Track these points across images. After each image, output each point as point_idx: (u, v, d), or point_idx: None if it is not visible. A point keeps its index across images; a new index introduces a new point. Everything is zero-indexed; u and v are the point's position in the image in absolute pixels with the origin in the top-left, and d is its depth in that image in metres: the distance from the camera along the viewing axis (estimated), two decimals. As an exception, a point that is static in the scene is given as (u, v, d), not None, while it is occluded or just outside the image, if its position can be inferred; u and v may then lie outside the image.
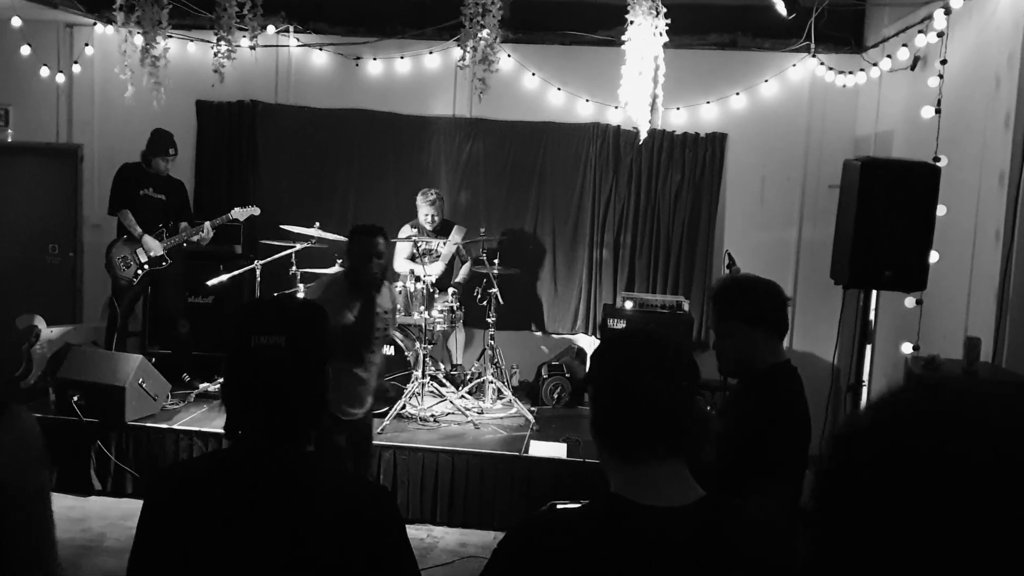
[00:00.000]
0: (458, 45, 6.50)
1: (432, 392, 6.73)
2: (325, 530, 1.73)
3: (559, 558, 1.51)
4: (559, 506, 2.26)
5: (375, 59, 7.88)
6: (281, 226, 7.02)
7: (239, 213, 7.10)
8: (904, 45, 5.82)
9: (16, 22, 7.21)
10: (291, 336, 1.81)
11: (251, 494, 1.77)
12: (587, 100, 7.68)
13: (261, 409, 1.81)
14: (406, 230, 7.27)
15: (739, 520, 1.61)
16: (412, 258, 7.22)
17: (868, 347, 4.59)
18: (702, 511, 1.56)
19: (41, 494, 2.04)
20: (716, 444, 2.72)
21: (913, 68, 5.80)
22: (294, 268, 6.87)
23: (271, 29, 7.48)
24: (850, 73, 6.98)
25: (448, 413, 6.67)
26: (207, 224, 7.02)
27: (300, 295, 6.72)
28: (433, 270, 7.02)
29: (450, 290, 7.14)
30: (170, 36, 7.02)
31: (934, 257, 4.21)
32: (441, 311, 6.81)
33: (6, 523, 1.95)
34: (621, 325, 6.95)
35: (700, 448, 1.68)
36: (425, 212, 7.19)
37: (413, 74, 7.88)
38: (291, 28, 7.75)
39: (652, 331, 1.79)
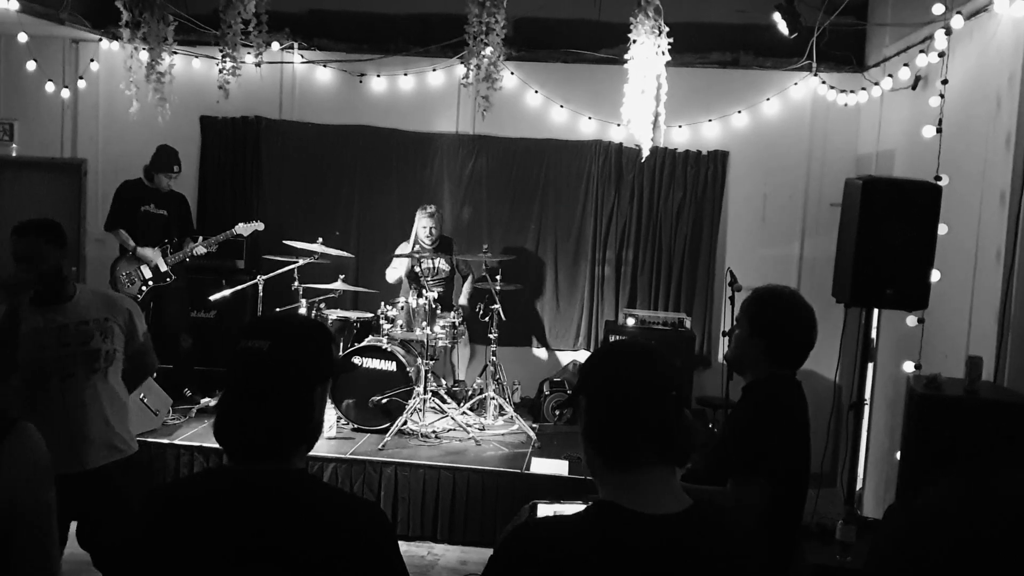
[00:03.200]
0: (462, 63, 6.53)
1: (433, 408, 6.73)
2: (316, 549, 1.72)
3: (554, 566, 1.59)
4: (541, 506, 2.34)
5: (379, 76, 7.92)
6: (284, 241, 7.03)
7: (243, 228, 7.13)
8: (905, 64, 5.85)
9: (22, 38, 7.25)
10: (275, 343, 1.82)
11: (241, 513, 1.76)
12: (589, 118, 7.71)
13: (243, 416, 1.81)
14: (404, 248, 7.29)
15: (722, 530, 1.70)
16: (415, 276, 7.24)
17: (870, 365, 4.60)
18: (689, 519, 1.66)
19: (49, 510, 2.09)
20: (713, 455, 2.82)
21: (914, 87, 5.82)
22: (297, 283, 6.88)
23: (275, 45, 7.53)
24: (851, 92, 7.01)
25: (449, 429, 6.66)
26: (201, 242, 7.05)
27: (302, 311, 6.74)
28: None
29: (463, 296, 7.20)
30: (175, 52, 7.08)
31: (935, 276, 4.21)
32: (443, 327, 6.82)
33: (16, 539, 2.03)
34: (613, 339, 6.97)
35: (687, 456, 1.76)
36: (424, 224, 7.22)
37: (416, 91, 7.92)
38: (295, 44, 7.80)
39: (641, 344, 1.85)
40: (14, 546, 2.03)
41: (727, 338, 5.65)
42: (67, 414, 3.59)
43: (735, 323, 3.04)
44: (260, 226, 7.21)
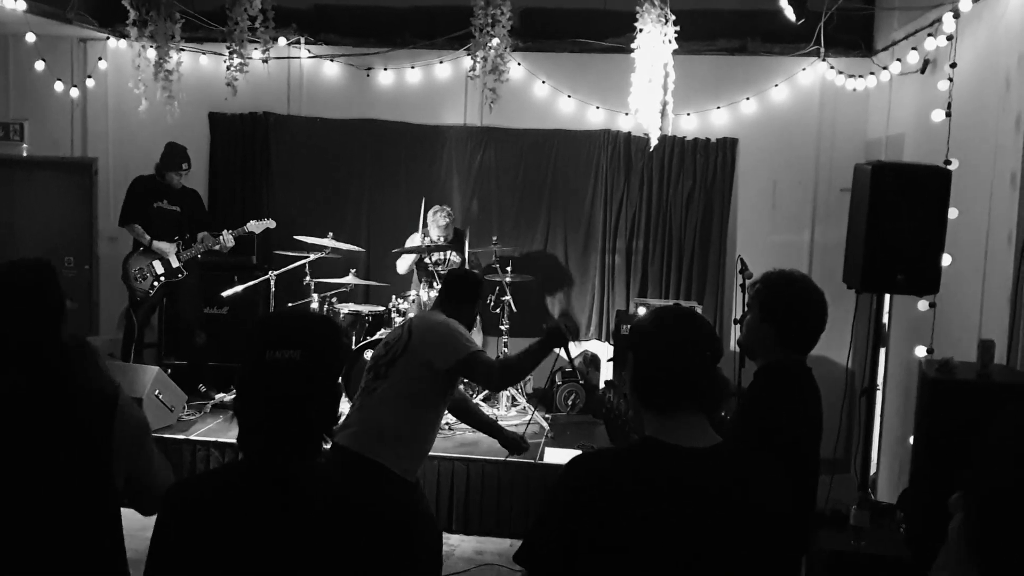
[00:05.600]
0: (468, 55, 6.54)
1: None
2: (341, 543, 1.75)
3: (608, 487, 1.87)
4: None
5: (386, 69, 7.92)
6: (295, 237, 7.06)
7: (255, 226, 7.16)
8: (914, 48, 5.82)
9: (30, 38, 7.28)
10: (306, 350, 1.83)
11: (264, 508, 1.78)
12: (597, 107, 7.70)
13: (274, 422, 1.82)
14: (415, 239, 7.30)
15: (745, 461, 2.00)
16: (426, 268, 7.25)
17: (882, 350, 4.59)
18: (718, 452, 1.95)
19: None
20: (726, 434, 2.83)
21: (923, 71, 5.80)
22: (308, 278, 6.91)
23: (282, 41, 7.54)
24: (860, 77, 6.98)
25: (462, 421, 6.68)
26: (226, 232, 7.07)
27: (314, 306, 6.77)
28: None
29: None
30: (182, 50, 7.10)
31: (947, 260, 4.20)
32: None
33: None
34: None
35: (718, 405, 2.10)
36: (437, 235, 7.18)
37: (424, 84, 7.93)
38: (302, 40, 7.82)
39: (683, 309, 2.12)
40: None
41: (738, 325, 5.65)
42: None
43: (746, 308, 3.03)
44: (272, 224, 7.24)
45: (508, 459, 4.99)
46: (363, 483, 1.96)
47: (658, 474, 1.88)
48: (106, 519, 2.26)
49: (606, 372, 7.65)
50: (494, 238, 7.34)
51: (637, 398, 2.04)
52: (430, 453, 5.93)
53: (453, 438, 6.37)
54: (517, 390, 7.04)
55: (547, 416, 6.87)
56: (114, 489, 2.25)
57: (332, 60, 7.99)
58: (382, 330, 6.96)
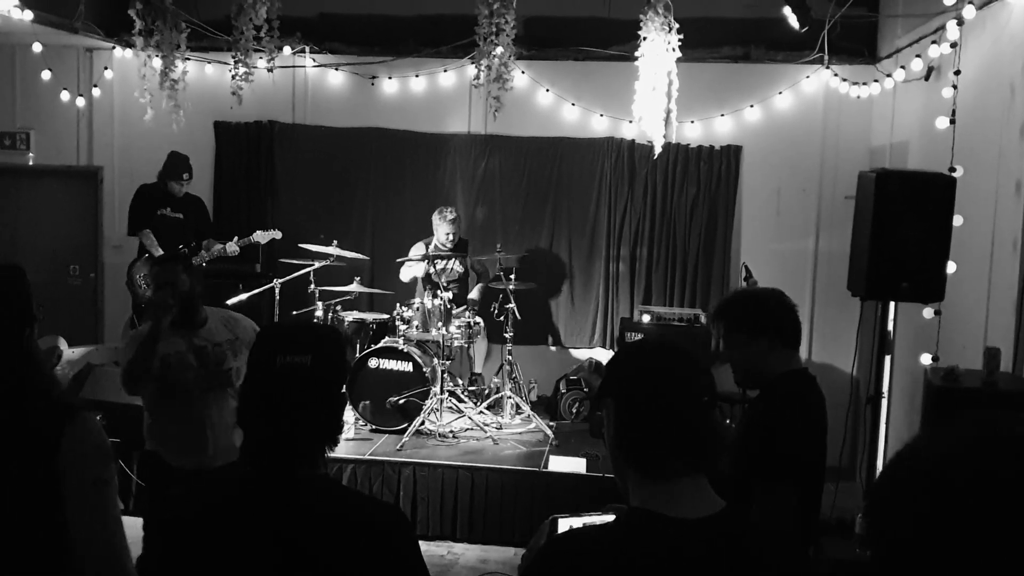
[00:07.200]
0: (472, 63, 6.55)
1: (451, 408, 6.75)
2: (339, 553, 1.75)
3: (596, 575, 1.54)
4: (562, 520, 2.32)
5: (390, 78, 7.94)
6: (299, 245, 7.07)
7: (261, 236, 7.18)
8: (917, 56, 5.82)
9: (37, 47, 7.31)
10: (317, 356, 1.83)
11: (265, 519, 1.78)
12: (601, 115, 7.71)
13: (282, 428, 1.81)
14: (419, 248, 7.30)
15: (757, 530, 1.66)
16: (430, 277, 7.26)
17: (887, 358, 4.58)
18: (723, 522, 1.59)
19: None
20: (732, 453, 2.78)
21: (927, 79, 5.79)
22: (313, 286, 6.91)
23: (287, 50, 7.56)
24: (864, 84, 6.99)
25: (467, 429, 6.67)
26: (232, 242, 7.11)
27: (318, 314, 6.78)
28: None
29: (469, 298, 7.21)
30: (188, 59, 7.12)
31: (951, 267, 4.20)
32: (459, 327, 6.83)
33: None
34: (639, 338, 6.95)
35: (718, 460, 1.71)
36: (444, 231, 7.21)
37: (428, 92, 7.94)
38: (307, 49, 7.83)
39: (670, 343, 1.76)
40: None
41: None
42: (202, 422, 3.97)
43: (723, 342, 2.94)
44: (278, 234, 7.26)
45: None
46: (358, 498, 1.95)
47: (657, 556, 1.53)
48: (51, 550, 2.03)
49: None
50: (498, 246, 7.34)
51: (622, 458, 1.66)
52: (434, 462, 6.01)
53: (457, 446, 6.37)
54: (521, 398, 7.03)
55: (551, 424, 6.86)
56: (63, 517, 2.02)
57: (337, 69, 8.01)
58: (386, 338, 6.96)
